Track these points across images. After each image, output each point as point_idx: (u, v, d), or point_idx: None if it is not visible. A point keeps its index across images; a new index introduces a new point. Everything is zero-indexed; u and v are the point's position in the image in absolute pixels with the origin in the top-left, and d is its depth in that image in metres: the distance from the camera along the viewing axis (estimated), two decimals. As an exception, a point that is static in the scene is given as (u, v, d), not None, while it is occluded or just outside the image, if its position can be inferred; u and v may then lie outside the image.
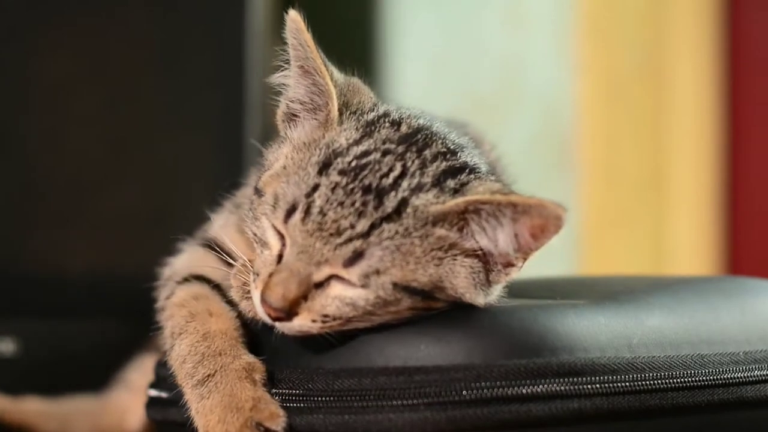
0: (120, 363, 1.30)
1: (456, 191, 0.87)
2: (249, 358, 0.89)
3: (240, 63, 1.61)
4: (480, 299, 0.88)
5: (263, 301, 0.86)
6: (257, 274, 0.88)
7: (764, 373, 0.93)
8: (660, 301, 0.95)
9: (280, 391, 0.87)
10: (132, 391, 1.27)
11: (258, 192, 0.91)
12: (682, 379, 0.89)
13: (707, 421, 0.90)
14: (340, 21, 2.26)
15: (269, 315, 0.86)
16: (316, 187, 0.85)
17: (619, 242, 2.32)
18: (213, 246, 0.99)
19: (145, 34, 1.62)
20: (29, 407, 1.32)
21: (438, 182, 0.87)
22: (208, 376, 0.88)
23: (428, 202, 0.86)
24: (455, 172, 0.88)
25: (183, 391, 0.90)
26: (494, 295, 0.90)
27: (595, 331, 0.88)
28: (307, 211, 0.85)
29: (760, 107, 2.44)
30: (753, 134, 2.45)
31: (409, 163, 0.87)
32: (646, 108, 2.33)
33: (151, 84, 1.62)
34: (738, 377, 0.91)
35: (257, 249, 0.89)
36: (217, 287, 0.97)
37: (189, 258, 1.01)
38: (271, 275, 0.86)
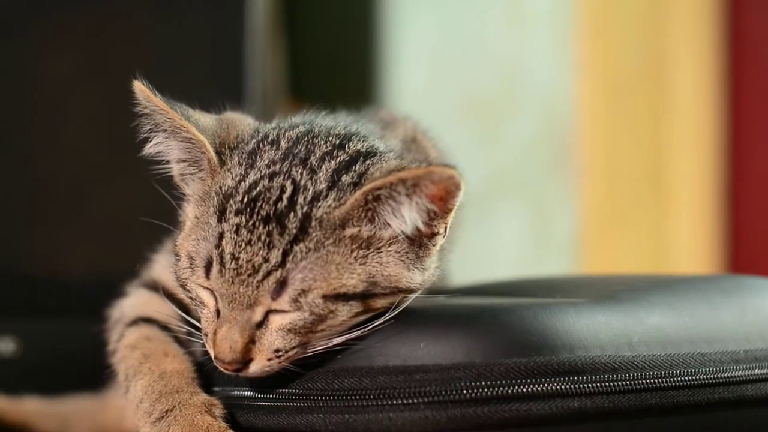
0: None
1: (356, 184, 0.86)
2: (207, 396, 0.90)
3: (240, 63, 1.61)
4: (417, 278, 0.88)
5: (216, 359, 0.86)
6: (206, 335, 0.88)
7: (764, 371, 0.93)
8: (660, 299, 0.95)
9: (280, 390, 0.87)
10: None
11: (176, 256, 0.90)
12: (683, 378, 0.88)
13: (707, 419, 0.90)
14: (340, 21, 2.26)
15: (227, 370, 0.86)
16: (221, 236, 0.85)
17: (619, 242, 2.31)
18: (157, 288, 0.99)
19: (145, 34, 1.62)
20: (29, 407, 1.32)
21: (333, 183, 0.86)
22: (167, 411, 0.88)
23: (329, 208, 0.85)
24: (348, 166, 0.87)
25: None
26: (431, 269, 0.89)
27: (596, 330, 0.88)
28: (221, 262, 0.84)
29: (760, 107, 2.44)
30: (753, 134, 2.45)
31: (298, 177, 0.86)
32: (646, 108, 2.33)
33: (151, 83, 1.61)
34: (738, 376, 0.91)
35: (198, 310, 0.89)
36: (165, 328, 0.97)
37: (136, 301, 1.02)
38: (215, 332, 0.86)
